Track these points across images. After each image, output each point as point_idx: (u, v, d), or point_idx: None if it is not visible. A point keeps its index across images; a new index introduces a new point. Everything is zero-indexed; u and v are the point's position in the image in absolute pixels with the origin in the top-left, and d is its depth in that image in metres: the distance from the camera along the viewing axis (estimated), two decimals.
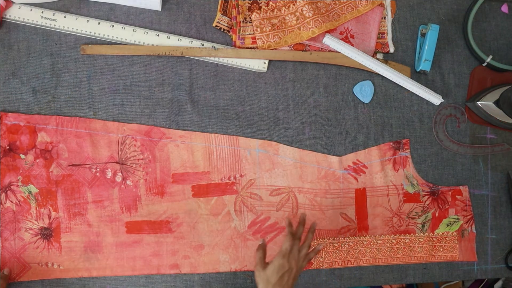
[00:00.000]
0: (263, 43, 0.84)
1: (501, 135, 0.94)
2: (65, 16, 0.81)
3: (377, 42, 0.90)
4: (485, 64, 0.92)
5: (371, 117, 0.90)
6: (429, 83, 0.92)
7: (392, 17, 0.91)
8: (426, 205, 0.90)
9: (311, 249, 0.78)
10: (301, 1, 0.84)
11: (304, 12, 0.84)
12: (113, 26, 0.82)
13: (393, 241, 0.89)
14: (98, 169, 0.82)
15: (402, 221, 0.89)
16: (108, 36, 0.82)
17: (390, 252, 0.89)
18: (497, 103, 0.86)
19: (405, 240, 0.89)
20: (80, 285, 0.82)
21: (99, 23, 0.82)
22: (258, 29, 0.83)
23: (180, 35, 0.84)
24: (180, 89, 0.85)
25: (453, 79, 0.93)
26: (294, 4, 0.85)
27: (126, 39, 0.83)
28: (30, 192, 0.80)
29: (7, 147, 0.80)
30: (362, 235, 0.88)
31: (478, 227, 0.92)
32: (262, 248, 0.76)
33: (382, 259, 0.89)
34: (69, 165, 0.81)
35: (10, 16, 0.80)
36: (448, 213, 0.91)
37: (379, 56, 0.90)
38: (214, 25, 0.85)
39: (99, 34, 0.82)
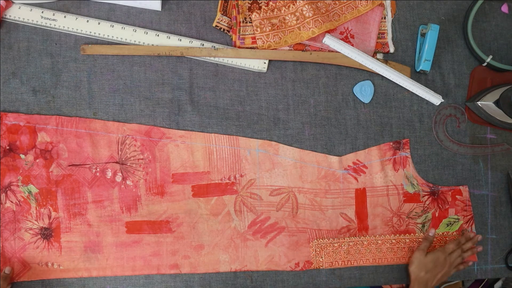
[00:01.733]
0: (263, 43, 0.84)
1: (501, 135, 0.94)
2: (65, 16, 0.81)
3: (377, 42, 0.90)
4: (485, 64, 0.92)
5: (371, 117, 0.90)
6: (429, 83, 0.92)
7: (392, 17, 0.91)
8: (426, 205, 0.90)
9: (462, 263, 0.89)
10: (301, 1, 0.84)
11: (304, 12, 0.84)
12: (113, 26, 0.82)
13: (393, 241, 0.89)
14: (98, 169, 0.82)
15: (402, 221, 0.89)
16: (108, 36, 0.82)
17: (390, 252, 0.89)
18: (497, 103, 0.86)
19: (405, 240, 0.89)
20: (80, 285, 0.82)
21: (99, 23, 0.82)
22: (258, 29, 0.83)
23: (180, 35, 0.84)
24: (180, 89, 0.85)
25: (453, 79, 0.93)
26: (294, 4, 0.85)
27: (126, 39, 0.83)
28: (30, 192, 0.80)
29: (7, 147, 0.80)
30: (362, 235, 0.88)
31: (478, 227, 0.92)
32: (431, 240, 0.88)
33: (382, 259, 0.89)
34: (69, 165, 0.81)
35: (10, 16, 0.80)
36: (448, 213, 0.91)
37: (379, 56, 0.90)
38: (214, 25, 0.85)
39: (99, 34, 0.82)
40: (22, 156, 0.80)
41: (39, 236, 0.81)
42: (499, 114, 0.89)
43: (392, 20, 0.91)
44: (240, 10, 0.84)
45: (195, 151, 0.84)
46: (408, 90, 0.90)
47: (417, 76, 0.91)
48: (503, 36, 0.95)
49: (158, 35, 0.83)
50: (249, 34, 0.85)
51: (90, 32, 0.82)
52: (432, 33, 0.87)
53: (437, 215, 0.90)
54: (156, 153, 0.83)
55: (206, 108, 0.85)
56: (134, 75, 0.84)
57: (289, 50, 0.86)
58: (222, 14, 0.85)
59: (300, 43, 0.86)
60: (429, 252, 0.85)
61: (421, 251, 0.85)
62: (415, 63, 0.91)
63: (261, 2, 0.85)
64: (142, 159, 0.83)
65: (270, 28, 0.84)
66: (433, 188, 0.90)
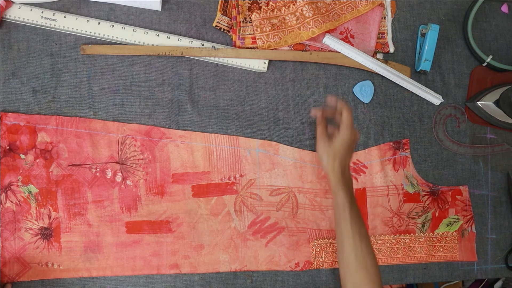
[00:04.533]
0: (263, 43, 0.84)
1: (501, 135, 0.94)
2: (65, 16, 0.81)
3: (377, 42, 0.90)
4: (485, 64, 0.92)
5: (371, 117, 0.90)
6: (429, 83, 0.92)
7: (392, 17, 0.91)
8: (426, 205, 0.90)
9: None
10: (301, 1, 0.84)
11: (304, 12, 0.84)
12: (113, 26, 0.82)
13: (393, 241, 0.89)
14: (98, 169, 0.82)
15: (402, 221, 0.89)
16: (108, 36, 0.82)
17: (390, 252, 0.89)
18: (497, 103, 0.87)
19: (405, 240, 0.89)
20: (80, 285, 0.82)
21: (99, 23, 0.82)
22: (258, 29, 0.83)
23: (180, 35, 0.84)
24: (180, 89, 0.85)
25: (453, 79, 0.93)
26: (294, 4, 0.85)
27: (126, 39, 0.83)
28: (30, 192, 0.80)
29: (7, 147, 0.80)
30: None
31: (478, 227, 0.92)
32: (321, 121, 0.75)
33: (382, 259, 0.89)
34: (69, 165, 0.81)
35: (10, 16, 0.80)
36: (448, 213, 0.91)
37: (379, 56, 0.90)
38: (214, 25, 0.85)
39: (99, 34, 0.82)
40: (22, 156, 0.80)
41: (39, 236, 0.81)
42: (499, 114, 0.89)
43: (392, 20, 0.91)
44: (240, 10, 0.84)
45: (195, 151, 0.84)
46: (408, 90, 0.90)
47: (417, 76, 0.91)
48: (503, 36, 0.95)
49: (158, 35, 0.83)
50: (249, 34, 0.85)
51: (90, 32, 0.82)
52: (432, 33, 0.87)
53: (437, 215, 0.90)
54: (156, 153, 0.83)
55: (206, 108, 0.85)
56: (134, 75, 0.84)
57: (289, 50, 0.86)
58: (222, 14, 0.85)
59: (300, 43, 0.86)
60: (331, 135, 0.74)
61: (321, 140, 0.73)
62: (415, 63, 0.91)
63: (261, 2, 0.85)
64: (142, 159, 0.83)
65: (270, 28, 0.84)
66: (433, 188, 0.91)
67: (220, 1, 0.85)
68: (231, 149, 0.85)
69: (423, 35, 0.90)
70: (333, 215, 0.70)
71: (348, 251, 0.67)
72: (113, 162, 0.82)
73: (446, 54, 0.93)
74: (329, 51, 0.87)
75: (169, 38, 0.84)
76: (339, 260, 0.69)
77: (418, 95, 0.91)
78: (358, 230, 0.68)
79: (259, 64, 0.86)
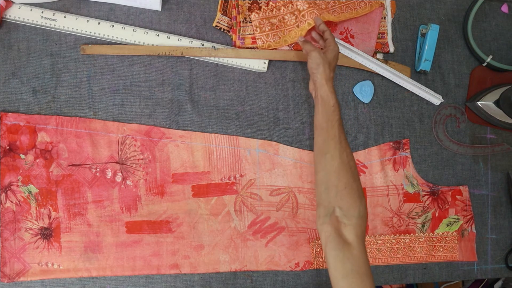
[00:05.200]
0: (263, 43, 0.84)
1: (501, 135, 0.94)
2: (65, 16, 0.81)
3: (377, 42, 0.90)
4: (485, 64, 0.92)
5: (371, 117, 0.90)
6: (429, 83, 0.92)
7: (392, 17, 0.91)
8: (426, 205, 0.90)
9: None
10: (301, 1, 0.84)
11: (299, 7, 0.84)
12: (113, 26, 0.82)
13: (393, 241, 0.89)
14: (98, 169, 0.82)
15: (402, 221, 0.89)
16: (108, 36, 0.82)
17: (390, 252, 0.89)
18: (497, 103, 0.87)
19: (405, 240, 0.89)
20: (80, 285, 0.82)
21: (99, 23, 0.82)
22: (258, 29, 0.83)
23: (180, 35, 0.84)
24: (180, 89, 0.85)
25: (453, 79, 0.93)
26: (293, 4, 0.85)
27: (126, 39, 0.83)
28: (30, 192, 0.80)
29: (7, 147, 0.80)
30: None
31: (478, 227, 0.92)
32: (307, 40, 0.82)
33: (382, 259, 0.89)
34: (69, 165, 0.81)
35: (10, 16, 0.80)
36: (448, 213, 0.91)
37: (379, 56, 0.90)
38: (214, 25, 0.85)
39: (99, 34, 0.82)
40: (22, 156, 0.80)
41: (39, 236, 0.81)
42: (499, 114, 0.89)
43: (392, 20, 0.91)
44: (240, 10, 0.84)
45: (195, 151, 0.84)
46: (408, 90, 0.90)
47: (417, 76, 0.91)
48: (503, 36, 0.95)
49: (158, 35, 0.83)
50: (249, 34, 0.85)
51: (90, 32, 0.82)
52: (432, 33, 0.87)
53: (437, 215, 0.90)
54: (156, 153, 0.83)
55: (206, 108, 0.85)
56: (134, 75, 0.84)
57: (289, 50, 0.86)
58: (222, 14, 0.85)
59: None
60: (323, 50, 0.78)
61: (315, 51, 0.76)
62: (415, 63, 0.91)
63: (261, 2, 0.85)
64: (142, 159, 0.83)
65: (269, 28, 0.84)
66: (433, 188, 0.91)
67: (220, 1, 0.85)
68: (231, 149, 0.85)
69: (423, 35, 0.90)
70: (317, 125, 0.74)
71: (333, 152, 0.70)
72: (113, 162, 0.82)
73: (446, 54, 0.93)
74: None
75: (169, 38, 0.84)
76: (319, 165, 0.71)
77: (418, 95, 0.91)
78: (343, 134, 0.72)
79: (259, 64, 0.86)
